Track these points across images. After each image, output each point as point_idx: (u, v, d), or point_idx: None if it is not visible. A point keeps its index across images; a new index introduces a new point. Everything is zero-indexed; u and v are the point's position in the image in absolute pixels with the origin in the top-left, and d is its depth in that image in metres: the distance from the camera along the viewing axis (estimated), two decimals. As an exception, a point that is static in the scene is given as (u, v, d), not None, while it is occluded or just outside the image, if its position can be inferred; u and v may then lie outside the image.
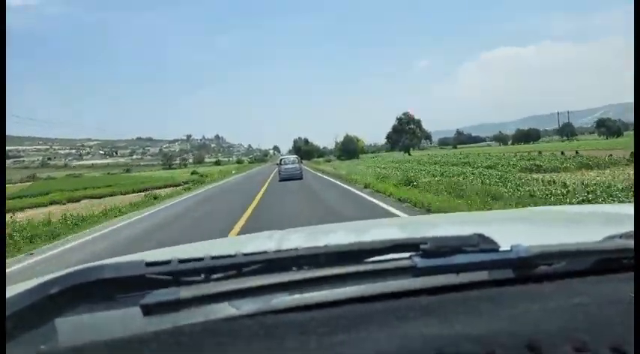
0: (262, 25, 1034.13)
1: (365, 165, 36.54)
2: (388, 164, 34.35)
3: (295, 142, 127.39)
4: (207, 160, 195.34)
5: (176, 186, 30.94)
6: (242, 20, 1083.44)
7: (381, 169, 24.78)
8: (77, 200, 27.19)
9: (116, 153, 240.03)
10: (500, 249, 0.62)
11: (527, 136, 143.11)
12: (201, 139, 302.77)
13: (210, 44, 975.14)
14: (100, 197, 27.90)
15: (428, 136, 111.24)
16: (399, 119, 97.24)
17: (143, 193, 23.99)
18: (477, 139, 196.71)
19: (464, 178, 14.62)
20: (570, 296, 0.56)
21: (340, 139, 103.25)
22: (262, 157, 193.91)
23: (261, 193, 16.32)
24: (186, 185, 29.56)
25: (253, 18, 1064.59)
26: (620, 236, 0.70)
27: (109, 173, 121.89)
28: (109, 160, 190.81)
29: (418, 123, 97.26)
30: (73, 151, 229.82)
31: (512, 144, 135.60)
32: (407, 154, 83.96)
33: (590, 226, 1.30)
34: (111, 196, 28.60)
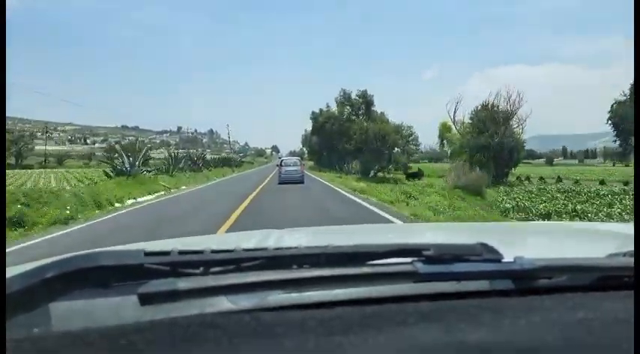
0: (270, 20, 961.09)
1: None
2: None
3: (317, 116, 51.07)
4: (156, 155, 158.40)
5: None
6: (249, 14, 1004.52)
7: None
8: None
9: (84, 140, 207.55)
10: (503, 260, 0.61)
11: None
12: (192, 133, 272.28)
13: (214, 36, 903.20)
14: None
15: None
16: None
17: None
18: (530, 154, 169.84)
19: None
20: (573, 311, 0.56)
21: (468, 111, 31.23)
22: (250, 156, 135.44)
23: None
24: None
25: (262, 12, 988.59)
26: (624, 254, 0.70)
27: None
28: (64, 147, 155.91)
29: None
30: (39, 134, 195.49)
31: (615, 164, 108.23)
32: None
33: (594, 242, 1.28)
34: None
